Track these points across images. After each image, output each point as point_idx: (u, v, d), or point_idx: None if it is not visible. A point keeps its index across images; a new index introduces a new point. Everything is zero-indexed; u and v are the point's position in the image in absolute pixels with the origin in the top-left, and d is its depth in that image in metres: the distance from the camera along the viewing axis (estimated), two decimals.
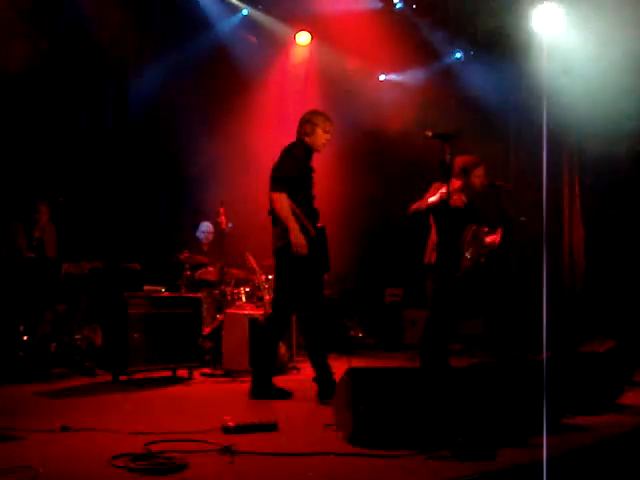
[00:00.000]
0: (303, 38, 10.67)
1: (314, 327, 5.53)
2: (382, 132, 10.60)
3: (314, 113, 5.72)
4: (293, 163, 5.49)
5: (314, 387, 5.46)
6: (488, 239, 6.20)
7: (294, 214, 5.37)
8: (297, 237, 5.30)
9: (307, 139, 5.59)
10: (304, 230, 5.37)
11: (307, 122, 5.62)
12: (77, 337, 6.80)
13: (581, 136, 9.53)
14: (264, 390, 5.48)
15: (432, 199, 5.93)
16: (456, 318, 6.53)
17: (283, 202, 5.35)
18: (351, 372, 4.01)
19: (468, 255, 6.21)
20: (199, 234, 8.85)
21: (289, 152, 5.57)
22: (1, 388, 5.67)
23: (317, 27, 10.34)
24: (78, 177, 8.38)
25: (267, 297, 7.24)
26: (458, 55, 11.18)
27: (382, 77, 11.61)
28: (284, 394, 5.51)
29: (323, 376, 5.43)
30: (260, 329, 5.82)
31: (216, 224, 7.99)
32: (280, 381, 5.72)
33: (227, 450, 3.59)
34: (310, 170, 5.65)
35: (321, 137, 5.62)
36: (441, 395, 4.02)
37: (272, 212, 5.49)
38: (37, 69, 7.78)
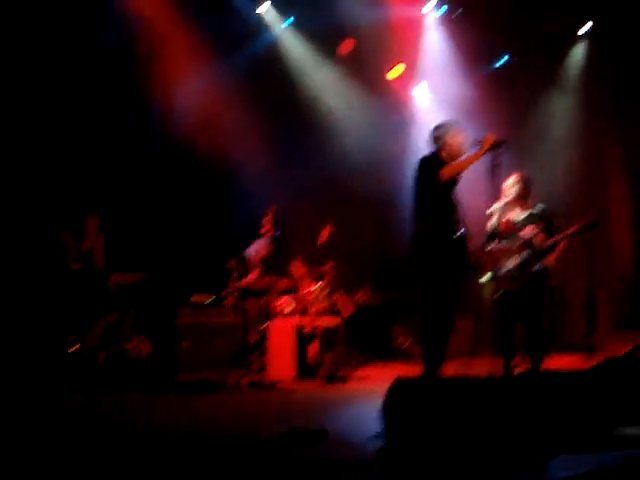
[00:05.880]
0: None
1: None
2: None
3: (437, 128, 5.56)
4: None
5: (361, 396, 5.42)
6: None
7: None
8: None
9: (443, 153, 5.46)
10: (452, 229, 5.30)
11: (436, 139, 5.50)
12: (125, 347, 6.84)
13: None
14: None
15: None
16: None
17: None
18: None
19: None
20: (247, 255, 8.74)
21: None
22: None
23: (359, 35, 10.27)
24: (126, 188, 8.44)
25: (313, 308, 7.22)
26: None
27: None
28: None
29: None
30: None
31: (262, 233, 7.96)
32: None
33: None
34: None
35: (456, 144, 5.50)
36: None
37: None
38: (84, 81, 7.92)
